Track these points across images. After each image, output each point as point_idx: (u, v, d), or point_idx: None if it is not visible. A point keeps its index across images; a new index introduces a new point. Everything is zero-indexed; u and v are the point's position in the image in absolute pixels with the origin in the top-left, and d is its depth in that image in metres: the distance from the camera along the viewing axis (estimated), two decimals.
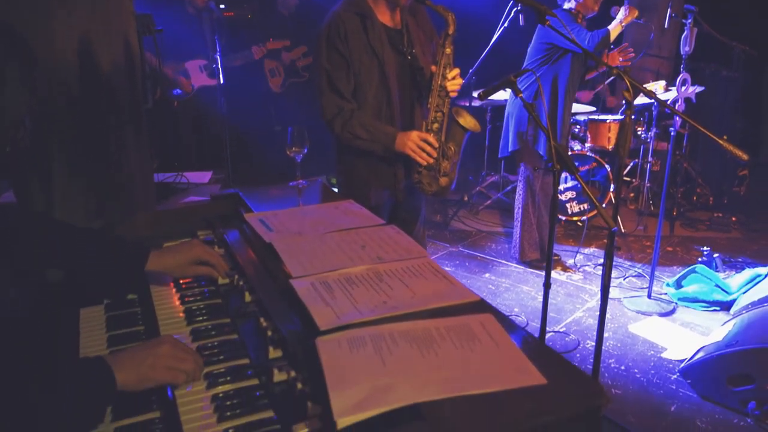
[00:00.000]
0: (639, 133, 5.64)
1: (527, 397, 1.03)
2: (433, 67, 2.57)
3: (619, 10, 4.16)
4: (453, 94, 2.59)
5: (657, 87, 5.26)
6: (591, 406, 1.02)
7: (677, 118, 3.84)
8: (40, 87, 1.96)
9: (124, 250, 1.58)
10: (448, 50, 2.54)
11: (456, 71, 2.57)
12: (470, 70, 5.50)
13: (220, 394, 1.23)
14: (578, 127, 5.59)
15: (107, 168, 2.15)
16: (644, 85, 4.55)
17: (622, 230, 5.40)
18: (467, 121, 2.59)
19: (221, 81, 5.09)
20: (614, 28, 4.08)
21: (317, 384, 1.14)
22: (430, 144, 2.56)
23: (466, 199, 6.08)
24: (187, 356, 1.25)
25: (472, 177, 6.56)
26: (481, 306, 1.36)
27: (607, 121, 5.41)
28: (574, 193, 5.42)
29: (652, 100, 5.06)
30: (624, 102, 2.33)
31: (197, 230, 2.07)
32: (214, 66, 5.26)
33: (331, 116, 2.54)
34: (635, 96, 2.34)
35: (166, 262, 1.62)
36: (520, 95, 2.38)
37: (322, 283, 1.45)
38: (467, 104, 5.84)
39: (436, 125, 2.59)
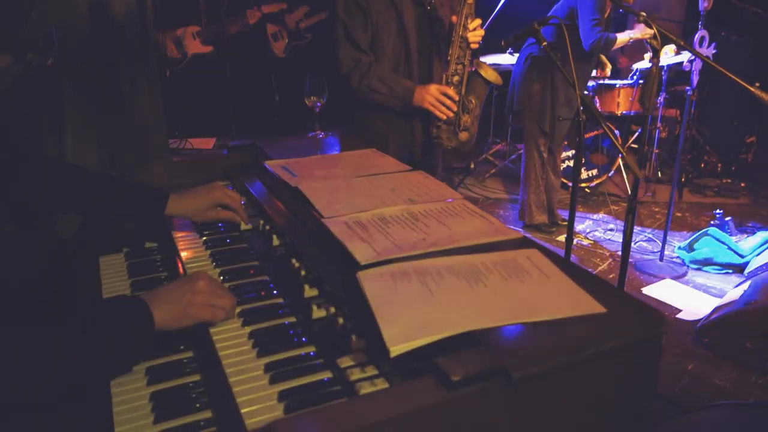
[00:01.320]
0: None
1: (588, 324, 0.98)
2: (454, 18, 2.47)
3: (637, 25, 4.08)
4: (474, 46, 2.50)
5: (667, 50, 5.16)
6: (654, 332, 0.97)
7: (694, 79, 3.77)
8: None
9: (142, 192, 1.52)
10: (468, 3, 2.44)
11: (477, 21, 2.48)
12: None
13: (257, 331, 1.18)
14: (586, 92, 5.51)
15: (120, 117, 2.08)
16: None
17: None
18: (489, 73, 2.53)
19: (220, 48, 4.95)
20: (622, 39, 4.01)
21: (360, 318, 1.10)
22: (450, 97, 2.48)
23: (472, 166, 6.02)
24: (223, 293, 1.20)
25: (477, 145, 6.48)
26: (525, 242, 1.31)
27: (617, 86, 5.32)
28: (583, 159, 5.36)
29: (663, 65, 4.98)
30: (650, 50, 2.26)
31: (216, 180, 2.00)
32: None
33: (347, 69, 2.46)
34: (663, 44, 2.27)
35: (186, 205, 1.56)
36: (545, 44, 2.30)
37: (356, 222, 1.39)
38: (473, 69, 5.73)
39: (456, 78, 2.51)
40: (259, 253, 1.51)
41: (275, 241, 1.52)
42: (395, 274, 1.14)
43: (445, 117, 2.52)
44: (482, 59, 5.79)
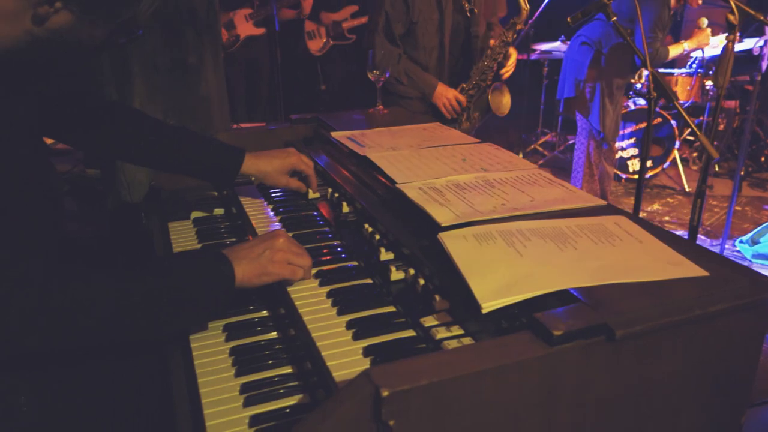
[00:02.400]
0: (708, 88, 5.37)
1: (692, 286, 0.93)
2: (492, 41, 2.77)
3: (699, 32, 3.94)
4: (504, 77, 2.85)
5: (716, 41, 4.96)
6: (760, 296, 0.92)
7: (764, 64, 3.61)
8: None
9: (220, 147, 1.52)
10: (512, 36, 2.74)
11: (514, 58, 2.81)
12: (529, 21, 5.30)
13: (335, 291, 1.16)
14: (641, 82, 5.35)
15: (185, 88, 2.09)
16: (713, 37, 4.32)
17: (687, 189, 5.19)
18: (497, 102, 2.86)
19: (276, 28, 4.97)
20: (675, 52, 3.92)
21: (443, 279, 1.07)
22: (461, 105, 2.84)
23: (521, 156, 5.92)
24: (302, 251, 1.19)
25: (525, 135, 6.38)
26: (611, 209, 1.26)
27: (674, 74, 5.16)
28: (636, 149, 5.21)
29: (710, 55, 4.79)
30: (727, 25, 2.16)
31: None
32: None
33: (379, 58, 2.66)
34: (741, 22, 2.17)
35: (262, 165, 1.54)
36: (614, 19, 2.23)
37: (431, 188, 1.36)
38: (525, 57, 5.64)
39: (472, 92, 2.85)
40: (328, 220, 1.50)
41: (345, 208, 1.50)
42: (479, 235, 1.11)
43: (449, 117, 2.86)
44: (536, 46, 5.69)
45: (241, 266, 1.09)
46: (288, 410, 0.96)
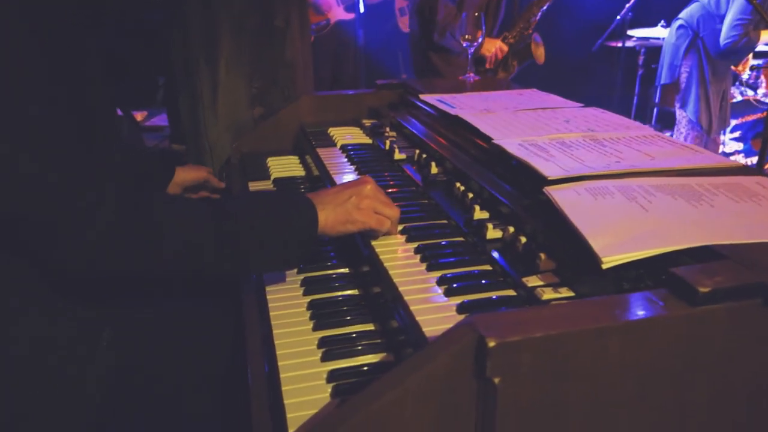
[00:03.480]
0: None
1: None
2: None
3: None
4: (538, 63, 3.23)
5: None
6: None
7: None
8: None
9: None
10: None
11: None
12: (626, 5, 4.99)
13: (424, 247, 1.05)
14: (749, 73, 4.93)
15: (272, 52, 2.04)
16: None
17: None
18: (538, 51, 3.18)
19: (361, 11, 4.92)
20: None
21: (550, 237, 0.94)
22: (503, 53, 3.21)
23: None
24: (389, 201, 1.09)
25: None
26: (747, 170, 1.09)
27: None
28: (741, 144, 4.81)
29: None
30: None
31: (362, 119, 1.92)
32: None
33: (443, 21, 2.99)
34: None
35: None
36: None
37: (532, 144, 1.23)
38: (620, 44, 5.32)
39: (512, 41, 3.23)
40: (415, 181, 1.39)
41: (434, 169, 1.39)
42: (593, 189, 0.97)
43: (490, 66, 3.21)
44: (631, 31, 5.38)
45: (325, 211, 1.00)
46: (367, 368, 0.87)
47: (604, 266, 0.77)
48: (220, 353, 1.03)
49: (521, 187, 1.11)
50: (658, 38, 5.09)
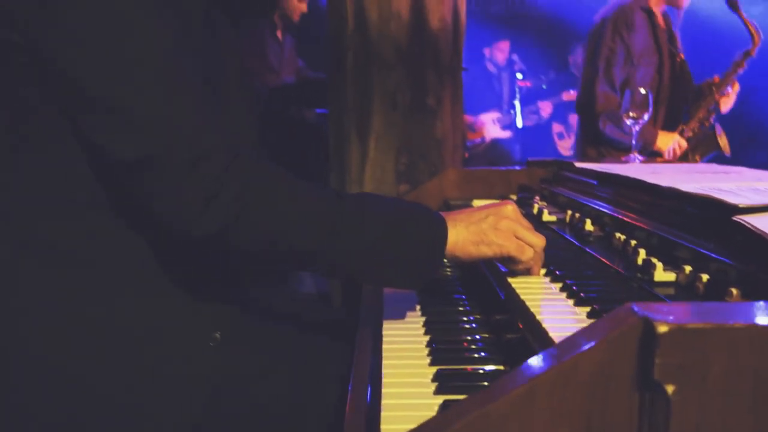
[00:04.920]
0: None
1: None
2: (716, 78, 2.63)
3: None
4: (723, 111, 2.69)
5: None
6: None
7: None
8: (369, 40, 1.97)
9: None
10: (740, 69, 2.61)
11: (736, 89, 2.64)
12: None
13: (572, 284, 0.86)
14: None
15: (422, 128, 2.04)
16: None
17: None
18: (723, 143, 2.66)
19: (519, 126, 4.97)
20: None
21: (744, 270, 0.72)
22: (681, 150, 2.67)
23: None
24: (532, 227, 0.93)
25: None
26: None
27: None
28: None
29: None
30: None
31: (510, 194, 1.80)
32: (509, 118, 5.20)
33: (601, 109, 2.59)
34: None
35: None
36: None
37: (711, 188, 1.01)
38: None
39: (690, 134, 2.69)
40: (567, 237, 1.22)
41: (588, 226, 1.21)
42: None
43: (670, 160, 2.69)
44: None
45: (457, 228, 0.86)
46: None
47: None
48: (327, 384, 0.91)
49: (699, 228, 0.90)
50: None
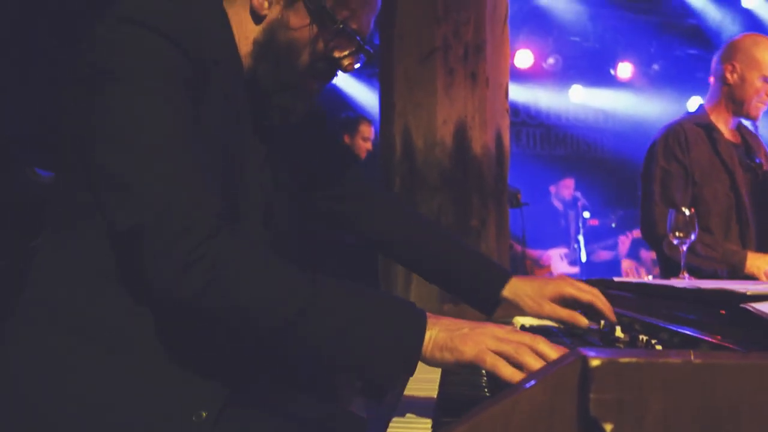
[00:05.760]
0: None
1: None
2: None
3: None
4: None
5: None
6: None
7: None
8: (416, 166, 2.10)
9: (488, 263, 1.29)
10: None
11: None
12: None
13: None
14: None
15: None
16: None
17: None
18: None
19: (583, 260, 4.91)
20: None
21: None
22: None
23: None
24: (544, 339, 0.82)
25: None
26: None
27: None
28: None
29: None
30: None
31: None
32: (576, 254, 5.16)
33: (664, 232, 2.31)
34: None
35: (525, 289, 1.24)
36: None
37: (730, 285, 0.99)
38: None
39: None
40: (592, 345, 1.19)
41: (618, 333, 1.18)
42: None
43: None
44: None
45: (432, 330, 0.82)
46: None
47: None
48: None
49: (714, 321, 0.88)
50: None
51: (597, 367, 0.43)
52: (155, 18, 0.83)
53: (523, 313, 1.35)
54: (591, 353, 0.44)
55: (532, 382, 0.46)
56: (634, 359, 0.43)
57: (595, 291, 1.26)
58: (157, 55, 0.82)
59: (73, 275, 0.87)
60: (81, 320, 0.86)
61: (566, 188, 6.07)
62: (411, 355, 0.81)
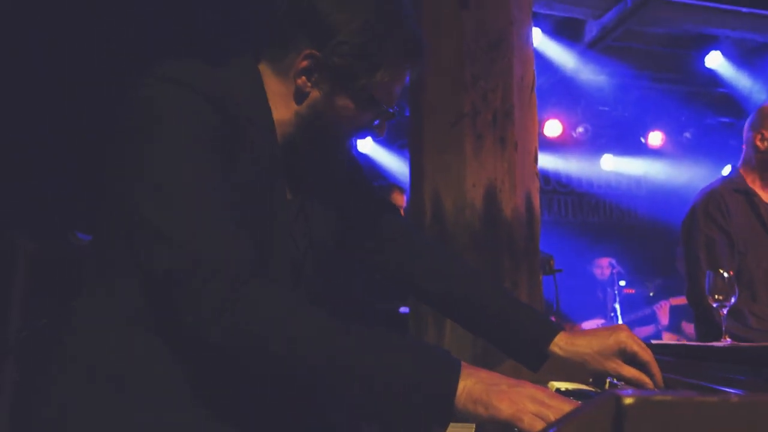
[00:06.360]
0: None
1: None
2: None
3: None
4: None
5: None
6: None
7: None
8: (446, 228, 2.11)
9: (531, 314, 1.21)
10: None
11: None
12: None
13: None
14: None
15: None
16: None
17: None
18: None
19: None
20: None
21: None
22: None
23: None
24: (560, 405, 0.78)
25: None
26: None
27: None
28: None
29: None
30: None
31: (587, 379, 1.71)
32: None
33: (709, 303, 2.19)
34: None
35: (579, 345, 1.15)
36: None
37: None
38: None
39: None
40: None
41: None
42: None
43: None
44: None
45: (466, 381, 0.80)
46: None
47: None
48: None
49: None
50: None
51: (630, 405, 0.42)
52: (194, 79, 0.90)
53: (574, 368, 1.28)
54: (624, 393, 0.43)
55: (566, 423, 0.45)
56: (668, 397, 0.42)
57: (647, 349, 1.17)
58: (196, 113, 0.88)
59: (107, 325, 0.90)
60: (116, 367, 0.87)
61: (600, 267, 5.94)
62: (443, 404, 0.79)
